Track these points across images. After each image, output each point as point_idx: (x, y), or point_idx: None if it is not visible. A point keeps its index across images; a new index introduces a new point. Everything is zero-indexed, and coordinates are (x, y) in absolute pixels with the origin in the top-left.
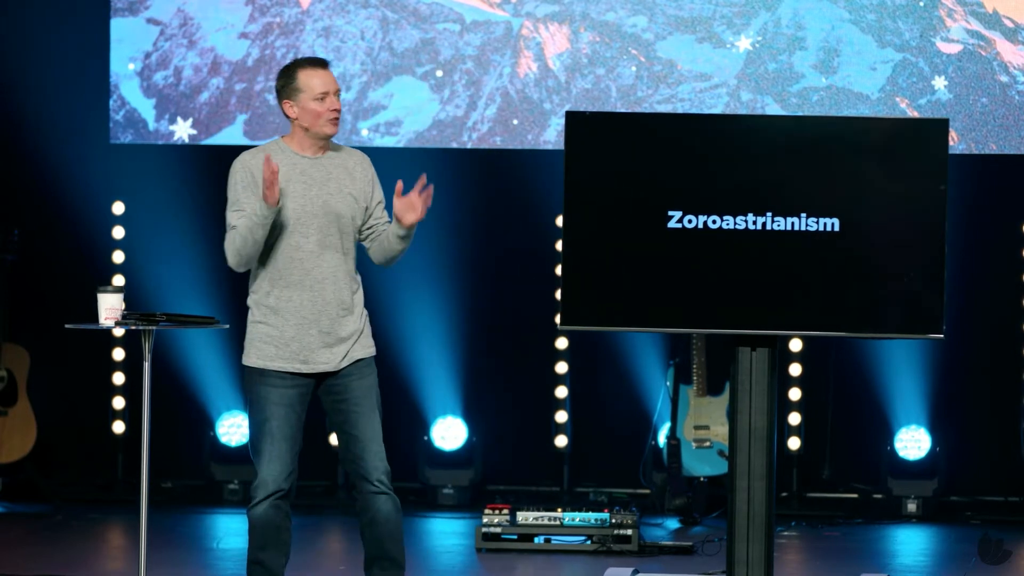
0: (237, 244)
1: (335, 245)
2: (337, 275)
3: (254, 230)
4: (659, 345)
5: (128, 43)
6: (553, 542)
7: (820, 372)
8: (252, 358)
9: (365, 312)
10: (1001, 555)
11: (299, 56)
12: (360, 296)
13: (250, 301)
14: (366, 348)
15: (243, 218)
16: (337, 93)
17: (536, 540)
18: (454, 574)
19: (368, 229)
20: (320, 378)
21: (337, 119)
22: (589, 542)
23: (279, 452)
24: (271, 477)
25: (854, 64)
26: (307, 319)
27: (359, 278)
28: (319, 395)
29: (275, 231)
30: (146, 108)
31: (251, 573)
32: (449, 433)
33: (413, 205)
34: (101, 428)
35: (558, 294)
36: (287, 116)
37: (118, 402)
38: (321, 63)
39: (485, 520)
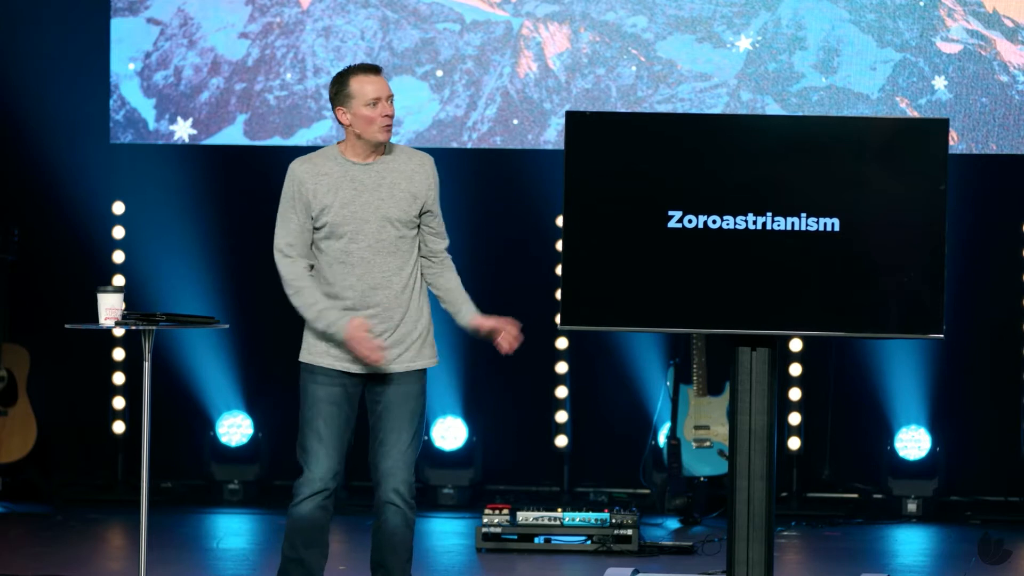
0: (296, 301)
1: (389, 250)
2: (391, 281)
3: (314, 320)
4: (659, 345)
5: (128, 43)
6: (553, 542)
7: (820, 372)
8: (304, 354)
9: (427, 322)
10: (1001, 555)
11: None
12: (419, 304)
13: None
14: (422, 359)
15: (322, 308)
16: (390, 99)
17: (536, 540)
18: (454, 574)
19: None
20: (368, 378)
21: (390, 125)
22: (589, 542)
23: (327, 451)
24: (319, 475)
25: (854, 64)
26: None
27: (423, 284)
28: (364, 394)
29: (326, 237)
30: (146, 108)
31: (288, 571)
32: (449, 433)
33: (498, 333)
34: (101, 428)
35: (558, 294)
36: (340, 123)
37: (118, 402)
38: (374, 69)
39: (485, 520)
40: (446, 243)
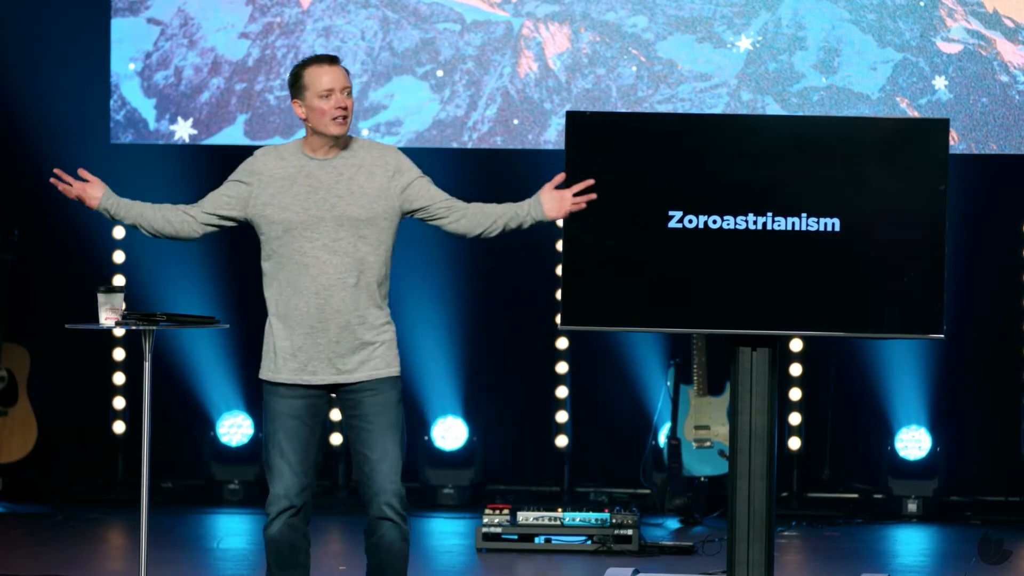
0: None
1: (346, 250)
2: (347, 281)
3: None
4: (659, 345)
5: (128, 43)
6: (553, 542)
7: (820, 372)
8: (263, 370)
9: (389, 326)
10: (1001, 555)
11: (303, 56)
12: (383, 307)
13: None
14: (387, 366)
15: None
16: (346, 91)
17: (536, 540)
18: (454, 574)
19: (425, 212)
20: (336, 390)
21: (345, 118)
22: (589, 542)
23: (289, 466)
24: (282, 492)
25: (854, 64)
26: (315, 328)
27: (384, 286)
28: (339, 409)
29: (280, 236)
30: (146, 108)
31: None
32: (449, 433)
33: (564, 202)
34: (101, 428)
35: (558, 294)
36: (298, 116)
37: (118, 402)
38: (329, 59)
39: (485, 520)
40: (445, 196)
